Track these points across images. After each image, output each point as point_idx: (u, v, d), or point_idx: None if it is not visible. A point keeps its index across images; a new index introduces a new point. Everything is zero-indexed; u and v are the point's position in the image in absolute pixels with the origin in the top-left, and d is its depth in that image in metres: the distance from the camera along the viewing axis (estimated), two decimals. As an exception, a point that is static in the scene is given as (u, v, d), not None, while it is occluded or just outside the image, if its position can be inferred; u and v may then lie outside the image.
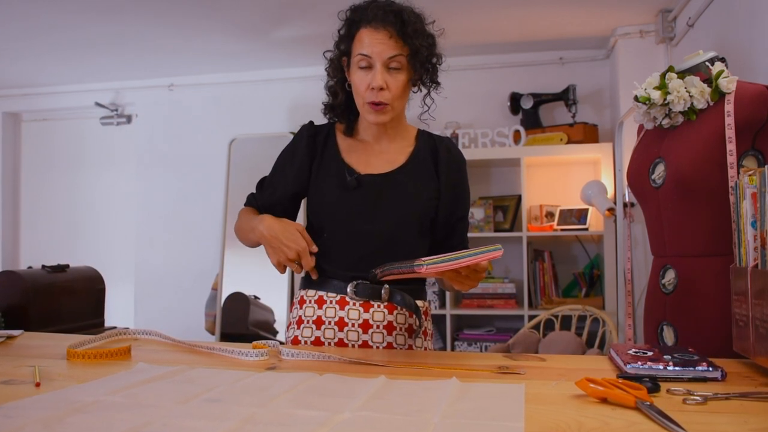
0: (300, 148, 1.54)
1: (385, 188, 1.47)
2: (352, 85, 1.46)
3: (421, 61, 1.42)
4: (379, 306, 1.45)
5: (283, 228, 1.42)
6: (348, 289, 1.45)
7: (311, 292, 1.51)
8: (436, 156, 1.53)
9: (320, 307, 1.48)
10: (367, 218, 1.45)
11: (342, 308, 1.46)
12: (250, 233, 1.49)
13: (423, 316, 1.48)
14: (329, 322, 1.46)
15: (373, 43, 1.39)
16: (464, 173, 1.57)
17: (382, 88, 1.39)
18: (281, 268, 1.44)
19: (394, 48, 1.39)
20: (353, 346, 1.44)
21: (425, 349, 1.51)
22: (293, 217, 1.58)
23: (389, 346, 1.44)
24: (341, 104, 1.52)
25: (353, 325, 1.44)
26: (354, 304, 1.45)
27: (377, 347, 1.44)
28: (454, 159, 1.54)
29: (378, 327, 1.44)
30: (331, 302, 1.47)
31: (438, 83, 1.51)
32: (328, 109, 1.56)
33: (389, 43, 1.38)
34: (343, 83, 1.51)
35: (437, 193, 1.50)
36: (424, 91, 1.52)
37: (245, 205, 1.63)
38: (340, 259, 1.47)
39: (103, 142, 4.91)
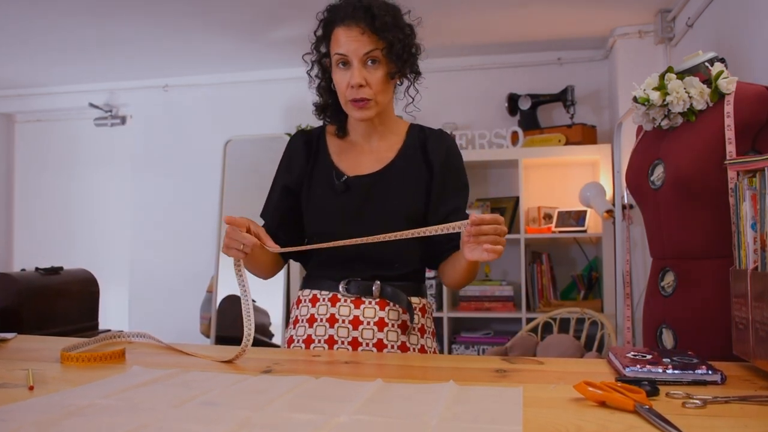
0: (297, 158, 1.55)
1: (373, 189, 1.47)
2: (335, 84, 1.46)
3: (398, 54, 1.41)
4: (370, 302, 1.44)
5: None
6: (339, 287, 1.46)
7: (306, 292, 1.52)
8: (425, 147, 1.52)
9: (314, 306, 1.49)
10: (355, 220, 1.46)
11: (333, 305, 1.46)
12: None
13: (420, 313, 1.48)
14: (321, 320, 1.46)
15: (347, 41, 1.39)
16: (454, 161, 1.53)
17: (361, 85, 1.40)
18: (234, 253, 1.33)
19: (368, 43, 1.39)
20: (343, 342, 1.44)
21: (422, 347, 1.48)
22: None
23: (379, 342, 1.43)
24: (330, 105, 1.53)
25: (343, 321, 1.44)
26: (345, 301, 1.45)
27: (367, 344, 1.43)
28: (442, 147, 1.52)
29: (368, 323, 1.43)
30: (323, 300, 1.48)
31: (419, 73, 1.51)
32: (319, 110, 1.57)
33: (362, 39, 1.38)
34: (329, 84, 1.51)
35: (427, 186, 1.49)
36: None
37: None
38: (332, 261, 1.48)
39: (98, 144, 4.90)
